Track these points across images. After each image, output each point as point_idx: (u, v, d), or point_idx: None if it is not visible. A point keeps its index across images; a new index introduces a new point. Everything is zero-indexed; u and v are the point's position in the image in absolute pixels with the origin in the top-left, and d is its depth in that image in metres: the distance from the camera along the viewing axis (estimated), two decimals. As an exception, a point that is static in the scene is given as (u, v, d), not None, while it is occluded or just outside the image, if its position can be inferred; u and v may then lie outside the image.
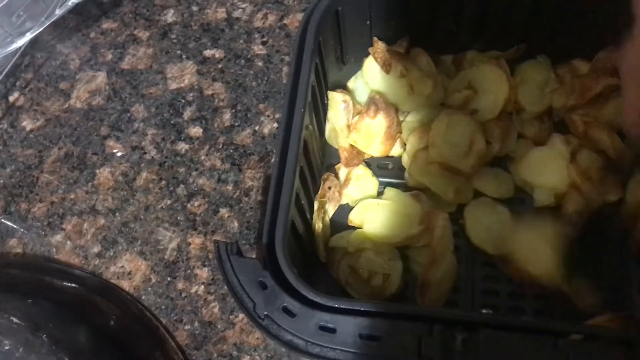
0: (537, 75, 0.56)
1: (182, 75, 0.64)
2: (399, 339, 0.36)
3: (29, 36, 0.58)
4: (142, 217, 0.57)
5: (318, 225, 0.51)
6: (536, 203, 0.52)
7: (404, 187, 0.54)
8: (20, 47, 0.60)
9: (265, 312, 0.38)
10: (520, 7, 0.54)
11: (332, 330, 0.37)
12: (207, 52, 0.65)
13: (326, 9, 0.50)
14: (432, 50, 0.57)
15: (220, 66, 0.64)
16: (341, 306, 0.38)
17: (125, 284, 0.55)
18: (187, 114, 0.62)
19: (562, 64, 0.56)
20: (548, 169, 0.51)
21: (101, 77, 0.65)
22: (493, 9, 0.55)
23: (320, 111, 0.54)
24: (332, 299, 0.38)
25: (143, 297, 0.54)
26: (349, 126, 0.55)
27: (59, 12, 0.56)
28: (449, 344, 0.36)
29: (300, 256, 0.47)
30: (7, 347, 0.47)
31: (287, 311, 0.38)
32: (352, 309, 0.37)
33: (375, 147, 0.55)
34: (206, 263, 0.55)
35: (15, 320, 0.48)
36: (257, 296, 0.38)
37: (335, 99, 0.55)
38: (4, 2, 0.55)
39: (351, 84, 0.58)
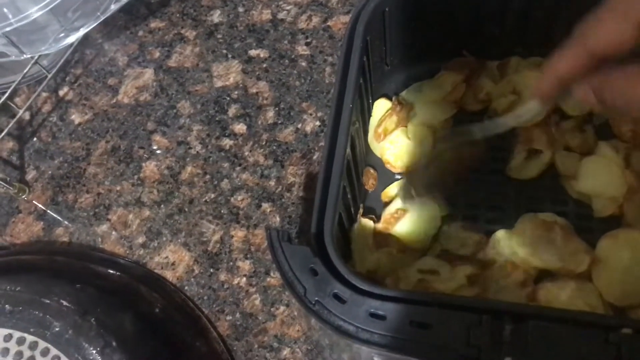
0: (579, 79, 0.57)
1: (227, 73, 0.66)
2: (448, 328, 0.37)
3: (82, 31, 0.60)
4: (186, 209, 0.59)
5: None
6: (596, 214, 0.51)
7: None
8: (73, 43, 0.62)
9: (316, 298, 0.38)
10: (562, 11, 0.55)
11: (382, 317, 0.37)
12: (252, 52, 0.66)
13: (374, 9, 0.51)
14: (476, 54, 0.58)
15: (264, 65, 0.65)
16: (391, 294, 0.38)
17: (168, 274, 0.56)
18: (232, 111, 0.63)
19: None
20: (603, 178, 0.51)
21: (148, 74, 0.67)
22: (535, 14, 0.55)
23: (365, 110, 0.55)
24: (381, 287, 0.39)
25: (186, 288, 0.55)
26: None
27: (114, 7, 0.58)
28: (498, 334, 0.36)
29: (344, 247, 0.48)
30: (57, 329, 0.48)
31: (337, 297, 0.38)
32: (401, 297, 0.38)
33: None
34: (248, 256, 0.56)
35: (64, 303, 0.50)
36: (308, 282, 0.39)
37: (381, 106, 0.57)
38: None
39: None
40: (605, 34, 0.32)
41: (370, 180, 0.55)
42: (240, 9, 0.69)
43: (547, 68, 0.37)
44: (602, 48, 0.33)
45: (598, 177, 0.52)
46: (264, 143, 0.61)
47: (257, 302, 0.54)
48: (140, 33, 0.70)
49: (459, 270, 0.48)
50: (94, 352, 0.48)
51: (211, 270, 0.56)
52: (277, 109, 0.63)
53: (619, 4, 0.32)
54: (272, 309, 0.53)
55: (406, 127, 0.57)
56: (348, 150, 0.47)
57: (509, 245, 0.50)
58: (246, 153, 0.61)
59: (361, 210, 0.53)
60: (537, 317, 0.36)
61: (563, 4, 0.54)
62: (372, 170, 0.56)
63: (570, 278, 0.48)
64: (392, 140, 0.56)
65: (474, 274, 0.48)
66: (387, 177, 0.56)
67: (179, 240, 0.57)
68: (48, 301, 0.50)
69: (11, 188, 0.61)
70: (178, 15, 0.70)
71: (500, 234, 0.51)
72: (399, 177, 0.56)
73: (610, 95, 0.33)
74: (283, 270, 0.40)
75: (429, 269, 0.49)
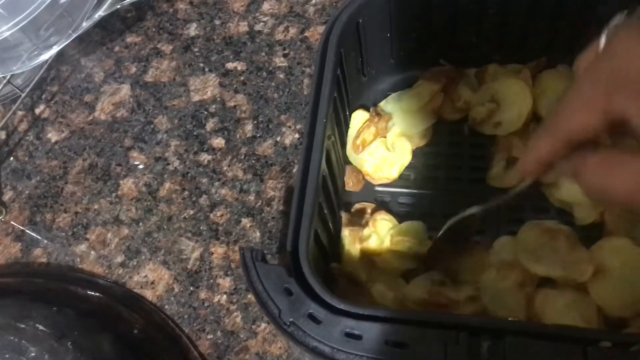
0: (557, 85, 0.56)
1: (204, 87, 0.65)
2: (425, 346, 0.36)
3: (55, 49, 0.59)
4: (165, 227, 0.58)
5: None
6: (578, 221, 0.51)
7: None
8: (47, 60, 0.61)
9: (291, 319, 0.38)
10: (540, 18, 0.54)
11: (358, 337, 0.37)
12: (230, 65, 0.66)
13: (347, 21, 0.51)
14: (454, 62, 0.58)
15: (242, 78, 0.65)
16: (367, 313, 0.38)
17: (148, 294, 0.55)
18: (210, 125, 0.63)
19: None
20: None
21: (125, 90, 0.66)
22: (512, 20, 0.55)
23: (342, 122, 0.54)
24: (357, 306, 0.38)
25: (166, 307, 0.55)
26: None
27: (85, 24, 0.57)
28: (475, 351, 0.36)
29: (322, 264, 0.47)
30: (32, 354, 0.48)
31: (312, 318, 0.38)
32: (377, 315, 0.38)
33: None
34: (229, 272, 0.55)
35: (40, 327, 0.49)
36: (282, 303, 0.38)
37: (359, 117, 0.56)
38: (32, 17, 0.56)
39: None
40: (574, 123, 0.33)
41: (351, 181, 0.55)
42: (217, 22, 0.69)
43: (528, 151, 0.37)
44: (574, 135, 0.33)
45: None
46: (242, 157, 0.60)
47: (238, 319, 0.53)
48: (117, 48, 0.69)
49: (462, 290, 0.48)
50: (71, 376, 0.47)
51: (191, 288, 0.55)
52: (255, 122, 0.62)
53: (584, 94, 0.32)
54: (253, 327, 0.53)
55: (385, 137, 0.56)
56: (323, 165, 0.46)
57: (512, 251, 0.50)
58: (225, 168, 0.60)
59: (345, 218, 0.52)
60: (514, 333, 0.36)
61: (539, 11, 0.54)
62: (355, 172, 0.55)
63: (571, 288, 0.47)
64: (371, 151, 0.55)
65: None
66: (367, 188, 0.56)
67: (158, 259, 0.57)
68: (23, 326, 0.49)
69: (-13, 209, 0.60)
70: (154, 29, 0.69)
71: (505, 239, 0.51)
72: (379, 188, 0.56)
73: (586, 181, 0.33)
74: (257, 291, 0.39)
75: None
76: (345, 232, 0.52)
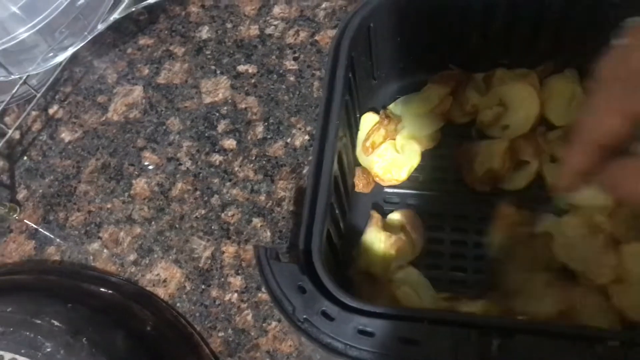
0: (565, 89, 0.57)
1: (216, 89, 0.66)
2: (436, 344, 0.37)
3: (70, 51, 0.60)
4: (177, 226, 0.59)
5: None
6: None
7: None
8: (61, 62, 0.62)
9: (305, 316, 0.39)
10: (547, 22, 0.55)
11: (371, 334, 0.38)
12: (241, 68, 0.67)
13: (359, 25, 0.52)
14: (462, 66, 0.58)
15: (253, 81, 0.66)
16: (379, 311, 0.38)
17: (160, 292, 0.56)
18: (221, 126, 0.64)
19: (589, 77, 0.57)
20: (591, 189, 0.51)
21: (138, 91, 0.67)
22: (520, 25, 0.56)
23: (352, 125, 0.55)
24: (369, 303, 0.39)
25: (178, 305, 0.55)
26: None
27: (100, 27, 0.58)
28: (485, 350, 0.37)
29: (333, 262, 0.48)
30: (48, 350, 0.48)
31: (325, 315, 0.39)
32: (390, 313, 0.38)
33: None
34: (239, 271, 0.56)
35: (56, 323, 0.50)
36: (296, 300, 0.39)
37: (368, 119, 0.57)
38: (48, 20, 0.58)
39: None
40: (602, 128, 0.34)
41: (361, 182, 0.56)
42: (228, 25, 0.70)
43: (562, 166, 0.37)
44: (603, 140, 0.34)
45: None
46: (253, 158, 0.61)
47: (249, 317, 0.54)
48: (129, 50, 0.70)
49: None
50: (86, 372, 0.48)
51: (203, 286, 0.56)
52: (266, 123, 0.63)
53: (606, 97, 0.33)
54: (264, 325, 0.54)
55: (394, 140, 0.57)
56: (335, 166, 0.47)
57: (552, 228, 0.50)
58: (236, 168, 0.61)
59: (376, 219, 0.53)
60: (524, 332, 0.37)
61: (546, 16, 0.55)
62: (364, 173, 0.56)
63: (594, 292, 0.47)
64: (380, 153, 0.56)
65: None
66: (376, 190, 0.57)
67: (170, 257, 0.58)
68: (39, 321, 0.50)
69: (2, 207, 0.61)
70: (166, 32, 0.70)
71: (550, 217, 0.51)
72: (388, 190, 0.57)
73: (628, 188, 0.33)
74: (271, 289, 0.40)
75: None
76: (381, 237, 0.51)
